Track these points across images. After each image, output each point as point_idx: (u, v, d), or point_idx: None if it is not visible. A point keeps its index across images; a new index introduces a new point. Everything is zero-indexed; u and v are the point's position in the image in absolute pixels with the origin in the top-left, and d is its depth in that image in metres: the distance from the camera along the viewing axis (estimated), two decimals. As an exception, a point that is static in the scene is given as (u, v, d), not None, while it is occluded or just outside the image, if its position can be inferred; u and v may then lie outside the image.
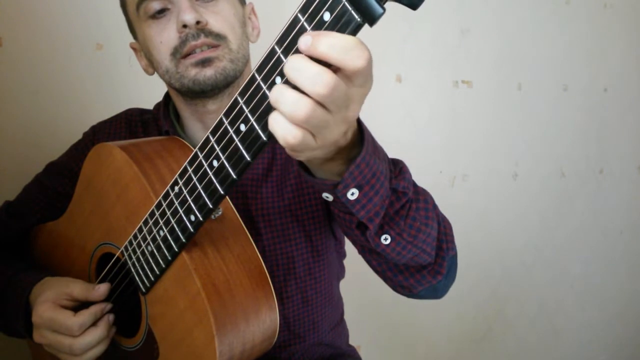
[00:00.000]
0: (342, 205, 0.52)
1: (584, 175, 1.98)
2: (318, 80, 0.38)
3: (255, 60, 0.82)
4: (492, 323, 1.85)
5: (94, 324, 0.67)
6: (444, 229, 0.65)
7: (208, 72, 0.71)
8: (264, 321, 0.65)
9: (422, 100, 1.59)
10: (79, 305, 0.69)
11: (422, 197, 0.61)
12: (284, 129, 0.40)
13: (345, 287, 0.95)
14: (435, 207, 0.64)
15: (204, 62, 0.71)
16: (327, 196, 0.52)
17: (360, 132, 0.50)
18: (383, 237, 0.56)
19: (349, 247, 0.95)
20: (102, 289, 0.69)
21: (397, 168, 0.59)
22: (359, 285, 1.30)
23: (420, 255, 0.60)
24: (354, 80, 0.39)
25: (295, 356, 0.84)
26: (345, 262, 0.96)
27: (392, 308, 1.64)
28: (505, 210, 1.76)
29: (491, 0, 1.66)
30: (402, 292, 0.67)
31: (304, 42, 0.38)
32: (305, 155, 0.45)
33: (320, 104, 0.39)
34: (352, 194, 0.50)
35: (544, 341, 2.00)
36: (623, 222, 2.13)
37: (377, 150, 0.53)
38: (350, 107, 0.41)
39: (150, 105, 0.92)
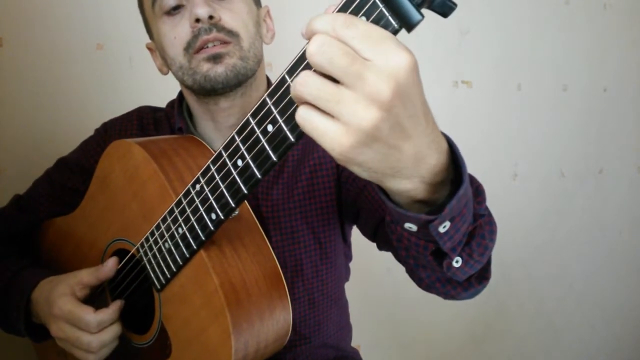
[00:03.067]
0: (425, 234, 0.48)
1: (584, 176, 1.98)
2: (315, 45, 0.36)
3: (268, 61, 0.83)
4: (492, 322, 1.85)
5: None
6: None
7: (219, 69, 0.72)
8: (278, 321, 0.66)
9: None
10: (94, 295, 0.70)
11: (487, 211, 0.56)
12: (297, 113, 0.38)
13: (346, 287, 0.95)
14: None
15: (215, 58, 0.72)
16: (411, 227, 0.47)
17: (453, 155, 0.45)
18: (455, 260, 0.52)
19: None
20: (110, 264, 0.69)
21: (474, 187, 0.54)
22: (359, 285, 1.31)
23: (478, 268, 0.57)
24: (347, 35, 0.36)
25: (300, 358, 0.84)
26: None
27: (392, 308, 1.64)
28: (505, 210, 1.76)
29: (491, 1, 1.66)
30: (443, 297, 0.64)
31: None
32: (352, 158, 0.38)
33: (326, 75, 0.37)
34: (444, 227, 0.46)
35: (544, 340, 2.00)
36: (622, 222, 2.13)
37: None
38: (364, 76, 0.35)
39: (150, 105, 0.92)
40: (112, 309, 0.68)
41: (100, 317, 0.66)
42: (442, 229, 0.46)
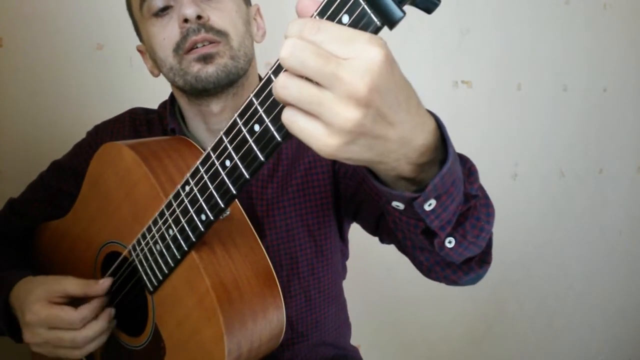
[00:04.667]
0: (412, 213, 0.48)
1: (584, 175, 1.98)
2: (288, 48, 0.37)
3: (267, 61, 0.83)
4: (492, 323, 1.85)
5: (95, 317, 0.68)
6: None
7: (210, 70, 0.71)
8: (271, 320, 0.66)
9: (422, 100, 1.59)
10: (72, 302, 0.69)
11: (481, 192, 0.57)
12: (282, 115, 0.39)
13: (345, 288, 0.95)
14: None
15: (206, 58, 0.71)
16: (398, 205, 0.48)
17: (441, 135, 0.45)
18: (447, 240, 0.53)
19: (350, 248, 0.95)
20: (105, 284, 0.69)
21: (466, 167, 0.54)
22: (359, 285, 1.30)
23: (476, 251, 0.57)
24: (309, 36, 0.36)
25: (299, 356, 0.84)
26: (346, 262, 0.96)
27: (392, 308, 1.64)
28: (505, 210, 1.75)
29: (491, 1, 1.66)
30: (445, 283, 0.64)
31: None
32: (340, 155, 0.39)
33: (306, 78, 0.37)
34: (430, 205, 0.46)
35: (544, 341, 2.00)
36: (622, 222, 2.13)
37: (454, 150, 0.47)
38: (339, 76, 0.36)
39: (150, 105, 0.92)
40: (94, 305, 0.67)
41: (83, 313, 0.66)
42: (427, 207, 0.46)
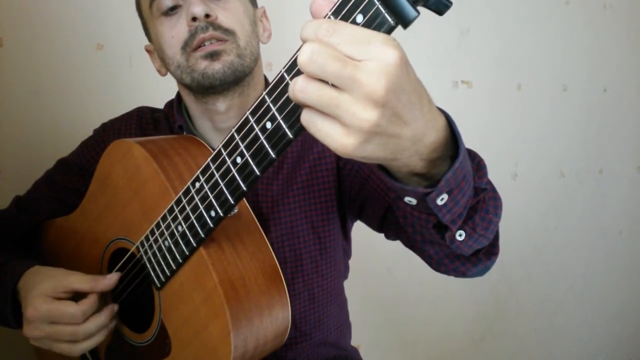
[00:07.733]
0: (424, 208, 0.49)
1: (584, 175, 1.99)
2: (306, 50, 0.37)
3: (269, 61, 0.82)
4: (492, 323, 1.85)
5: (97, 311, 0.68)
6: None
7: (217, 66, 0.73)
8: (277, 318, 0.66)
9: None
10: (75, 297, 0.69)
11: (490, 186, 0.58)
12: (301, 116, 0.40)
13: (346, 287, 0.95)
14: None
15: (213, 55, 0.72)
16: (411, 200, 0.49)
17: (451, 130, 0.46)
18: (458, 233, 0.54)
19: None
20: (113, 278, 0.69)
21: (475, 162, 0.55)
22: (360, 285, 1.31)
23: (485, 243, 0.59)
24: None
25: (302, 356, 0.84)
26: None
27: (392, 308, 1.64)
28: (505, 210, 1.75)
29: (491, 0, 1.66)
30: (454, 275, 0.66)
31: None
32: (355, 154, 0.40)
33: (324, 81, 0.38)
34: (442, 199, 0.48)
35: (544, 341, 2.00)
36: (622, 222, 2.13)
37: (464, 145, 0.48)
38: (357, 78, 0.36)
39: (150, 105, 0.93)
40: (93, 299, 0.67)
41: (84, 307, 0.66)
42: (439, 202, 0.48)
